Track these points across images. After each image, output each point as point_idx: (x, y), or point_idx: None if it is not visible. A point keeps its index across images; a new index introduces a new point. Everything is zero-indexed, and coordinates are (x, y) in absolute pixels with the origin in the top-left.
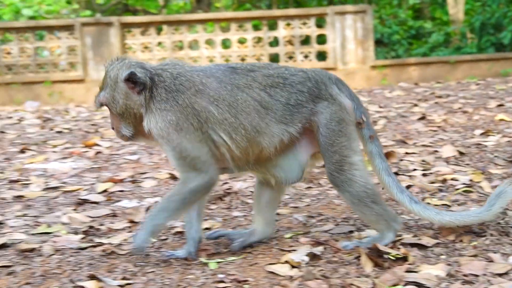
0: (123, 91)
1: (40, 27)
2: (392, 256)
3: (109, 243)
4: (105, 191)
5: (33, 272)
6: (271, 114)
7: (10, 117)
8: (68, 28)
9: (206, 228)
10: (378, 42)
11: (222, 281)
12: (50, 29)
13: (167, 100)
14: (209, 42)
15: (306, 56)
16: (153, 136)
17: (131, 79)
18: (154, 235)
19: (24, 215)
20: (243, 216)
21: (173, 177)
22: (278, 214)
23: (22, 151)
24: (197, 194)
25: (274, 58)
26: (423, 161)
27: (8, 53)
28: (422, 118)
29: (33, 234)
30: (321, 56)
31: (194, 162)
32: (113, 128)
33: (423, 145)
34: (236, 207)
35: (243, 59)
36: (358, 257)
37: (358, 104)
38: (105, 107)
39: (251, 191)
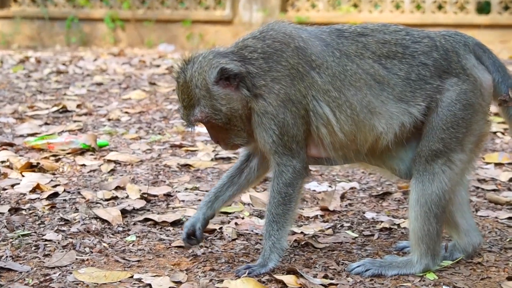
0: (221, 95)
1: None
2: None
3: (302, 233)
4: None
5: (217, 258)
6: (388, 91)
7: (158, 65)
8: None
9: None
10: None
11: None
12: None
13: (270, 68)
14: None
15: None
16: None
17: (223, 77)
18: (282, 251)
19: (195, 189)
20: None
21: None
22: (511, 218)
23: None
24: (294, 186)
25: (484, 7)
26: None
27: None
28: None
29: None
30: None
31: (290, 142)
32: (217, 142)
33: None
34: None
35: (440, 7)
36: None
37: (504, 76)
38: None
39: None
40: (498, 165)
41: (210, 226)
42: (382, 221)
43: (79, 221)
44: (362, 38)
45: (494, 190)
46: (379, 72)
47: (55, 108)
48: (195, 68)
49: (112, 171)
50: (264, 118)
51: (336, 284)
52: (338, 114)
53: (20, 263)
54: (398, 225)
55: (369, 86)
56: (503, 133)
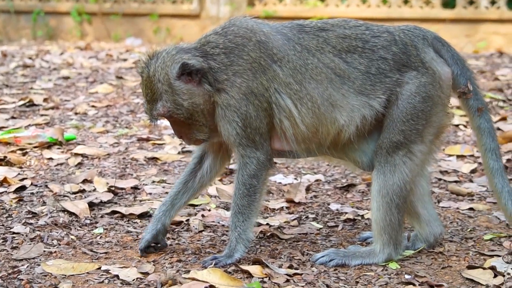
0: (183, 90)
1: None
2: None
3: (268, 224)
4: None
5: (184, 249)
6: (348, 84)
7: (125, 59)
8: None
9: None
10: None
11: (410, 283)
12: None
13: (232, 62)
14: None
15: (493, 2)
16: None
17: (185, 72)
18: (248, 242)
19: (162, 182)
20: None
21: None
22: (472, 209)
23: None
24: (258, 177)
25: (449, 2)
26: None
27: None
28: None
29: None
30: None
31: (253, 134)
32: (180, 137)
33: None
34: None
35: (406, 1)
36: None
37: (462, 69)
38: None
39: None
40: (460, 157)
41: (177, 218)
42: (346, 212)
43: (46, 214)
44: (323, 33)
45: (456, 181)
46: (340, 66)
47: (22, 102)
48: (158, 63)
49: (79, 165)
50: (227, 110)
51: (301, 274)
52: (299, 106)
53: None
54: (362, 216)
55: (330, 79)
56: (465, 126)
